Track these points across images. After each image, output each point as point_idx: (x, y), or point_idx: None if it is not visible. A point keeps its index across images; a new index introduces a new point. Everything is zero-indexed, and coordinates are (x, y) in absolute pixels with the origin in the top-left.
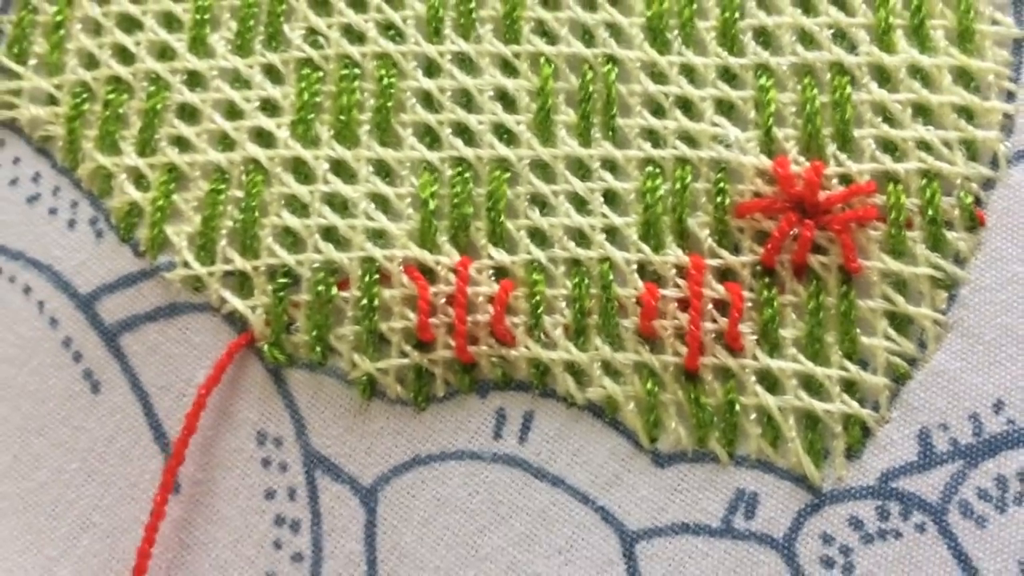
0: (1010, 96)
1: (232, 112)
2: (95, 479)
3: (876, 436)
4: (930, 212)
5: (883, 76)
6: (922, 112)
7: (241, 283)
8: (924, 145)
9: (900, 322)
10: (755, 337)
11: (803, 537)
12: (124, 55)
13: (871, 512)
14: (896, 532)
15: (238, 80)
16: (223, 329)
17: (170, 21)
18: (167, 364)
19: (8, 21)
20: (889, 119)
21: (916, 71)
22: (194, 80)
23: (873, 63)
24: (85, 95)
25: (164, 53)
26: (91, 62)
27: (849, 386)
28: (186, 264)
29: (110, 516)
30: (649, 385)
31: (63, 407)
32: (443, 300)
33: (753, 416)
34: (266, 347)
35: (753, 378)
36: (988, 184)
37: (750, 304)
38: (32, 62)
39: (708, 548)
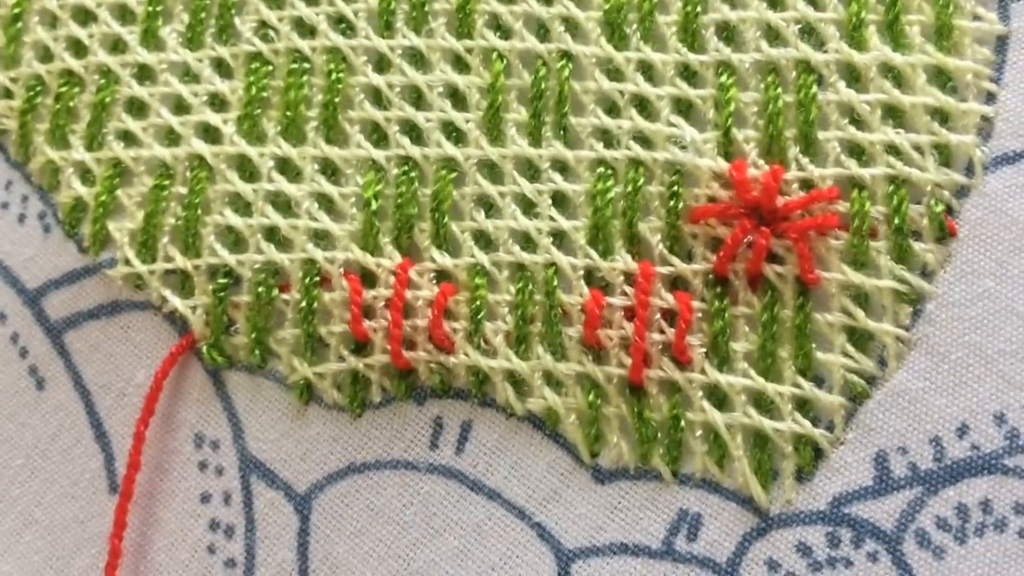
0: (990, 97)
1: (180, 107)
2: (38, 476)
3: (829, 458)
4: (896, 221)
5: (853, 75)
6: (893, 114)
7: (183, 282)
8: (893, 149)
9: (859, 338)
10: (704, 350)
11: (748, 562)
12: (78, 48)
13: (821, 538)
14: (847, 560)
15: (187, 74)
16: (164, 328)
17: (124, 14)
18: (108, 363)
19: None
20: (857, 121)
21: (888, 70)
22: (144, 74)
23: (842, 61)
24: (39, 88)
25: (116, 46)
26: (46, 55)
27: (802, 404)
28: (127, 261)
29: (51, 513)
30: (591, 397)
31: (9, 403)
32: (382, 304)
33: (699, 433)
34: (205, 348)
35: (700, 393)
36: (962, 192)
37: (700, 315)
38: None
39: (647, 570)
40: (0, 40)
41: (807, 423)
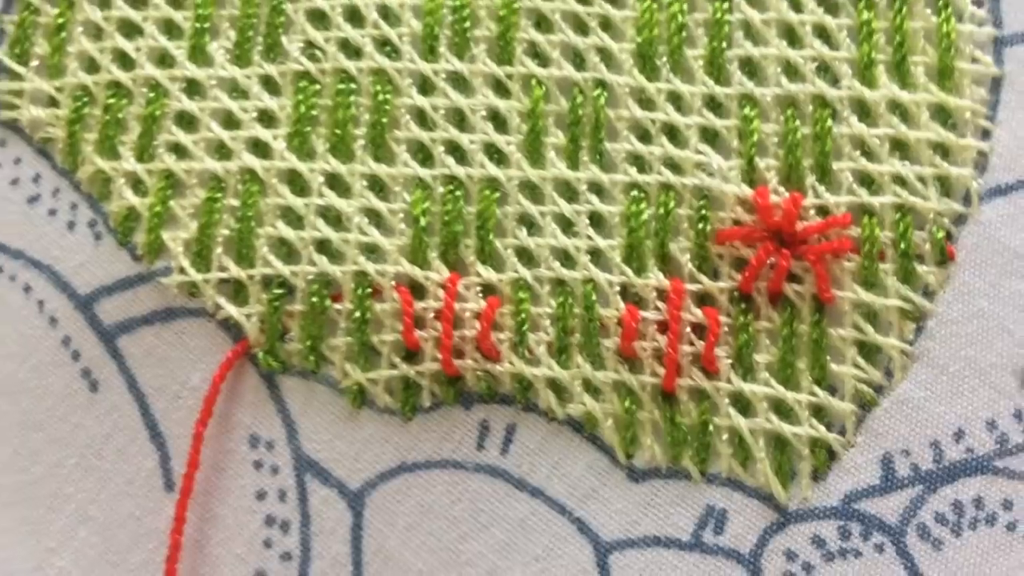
0: (985, 134)
1: (229, 121)
2: (92, 475)
3: (841, 460)
4: (902, 246)
5: (863, 110)
6: (899, 147)
7: (236, 290)
8: (900, 180)
9: (869, 351)
10: (730, 361)
11: (768, 553)
12: (124, 60)
13: (833, 532)
14: (856, 551)
15: (236, 90)
16: (217, 334)
17: (170, 28)
18: (163, 367)
19: (10, 21)
20: (867, 153)
21: (895, 106)
22: (193, 88)
23: (854, 97)
24: (85, 98)
25: (164, 60)
26: (92, 66)
27: (817, 411)
28: (182, 270)
29: (106, 510)
30: (627, 403)
31: (61, 404)
32: (431, 315)
33: (725, 436)
34: (261, 354)
35: (727, 400)
36: (959, 220)
37: (726, 329)
38: (34, 63)
39: (678, 561)
40: (44, 49)
41: (822, 428)
